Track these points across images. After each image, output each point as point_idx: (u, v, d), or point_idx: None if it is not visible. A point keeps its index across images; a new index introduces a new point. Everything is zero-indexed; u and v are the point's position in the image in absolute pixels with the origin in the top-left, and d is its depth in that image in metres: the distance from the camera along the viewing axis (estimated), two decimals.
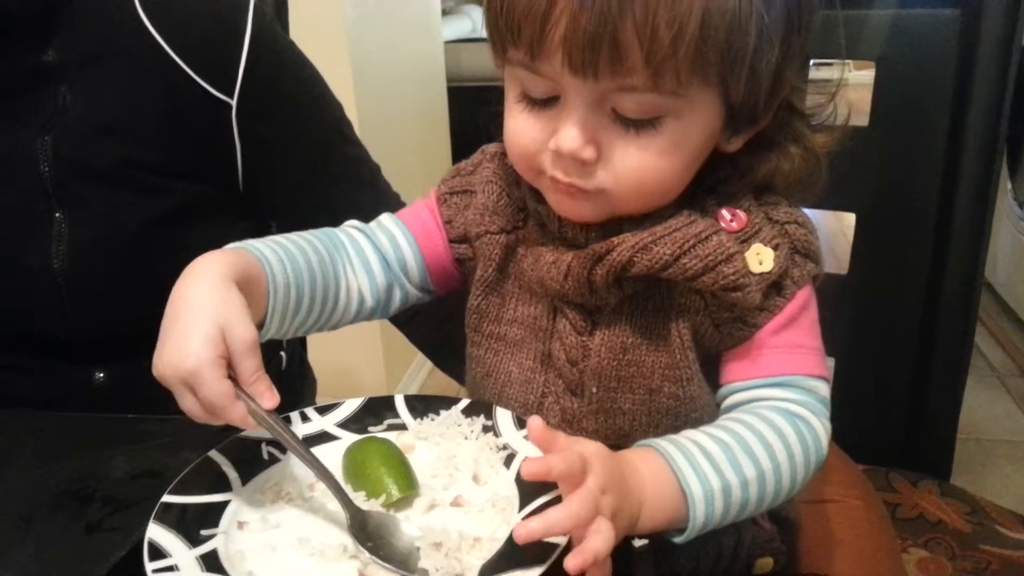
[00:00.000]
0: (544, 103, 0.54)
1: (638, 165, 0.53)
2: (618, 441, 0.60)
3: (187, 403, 0.53)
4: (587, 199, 0.56)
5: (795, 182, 0.59)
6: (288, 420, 0.61)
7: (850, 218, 1.02)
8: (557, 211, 0.59)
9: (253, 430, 0.55)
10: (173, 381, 0.53)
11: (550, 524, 0.44)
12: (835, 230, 1.00)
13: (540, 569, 0.45)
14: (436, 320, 0.84)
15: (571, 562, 0.43)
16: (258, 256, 0.59)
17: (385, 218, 0.69)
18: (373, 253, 0.67)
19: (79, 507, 0.56)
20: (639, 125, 0.52)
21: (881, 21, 0.98)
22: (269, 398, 0.54)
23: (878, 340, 1.05)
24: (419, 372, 2.21)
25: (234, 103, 0.83)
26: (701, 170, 0.58)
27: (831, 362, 1.03)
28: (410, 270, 0.67)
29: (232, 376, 0.53)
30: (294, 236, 0.64)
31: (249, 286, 0.57)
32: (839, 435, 0.92)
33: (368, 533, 0.50)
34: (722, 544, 0.63)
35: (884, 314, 1.04)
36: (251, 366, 0.53)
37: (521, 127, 0.56)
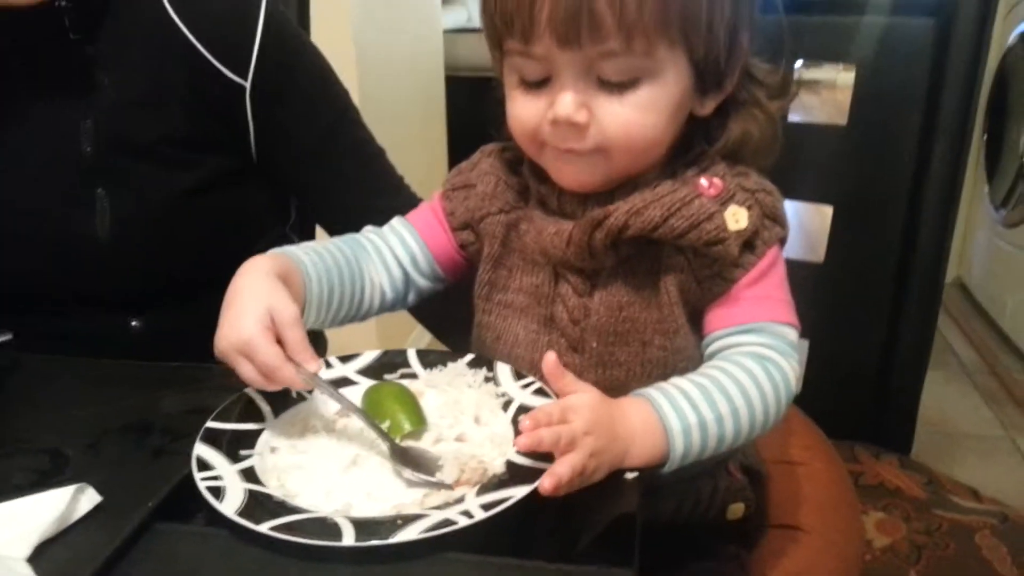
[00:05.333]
0: (539, 85, 0.63)
1: (624, 121, 0.61)
2: (614, 391, 0.67)
3: (245, 371, 0.60)
4: (585, 162, 0.64)
5: (760, 149, 0.67)
6: None
7: (827, 210, 1.09)
8: (559, 181, 0.67)
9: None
10: (231, 352, 0.60)
11: (537, 436, 0.52)
12: (813, 220, 1.06)
13: (529, 487, 0.52)
14: (439, 300, 0.91)
15: (545, 482, 0.51)
16: (294, 258, 0.69)
17: (396, 221, 0.78)
18: (388, 252, 0.75)
19: (142, 436, 0.62)
20: (621, 87, 0.61)
21: (863, 27, 1.05)
22: (313, 362, 0.61)
23: (849, 324, 1.12)
24: None
25: (248, 85, 0.91)
26: (681, 140, 0.66)
27: (805, 344, 1.11)
28: (419, 263, 0.76)
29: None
30: (326, 242, 0.74)
31: (287, 280, 0.65)
32: (810, 409, 1.00)
33: (407, 460, 0.58)
34: (700, 490, 0.71)
35: (856, 300, 1.11)
36: (296, 336, 0.61)
37: (522, 108, 0.64)
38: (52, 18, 0.84)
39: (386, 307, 0.77)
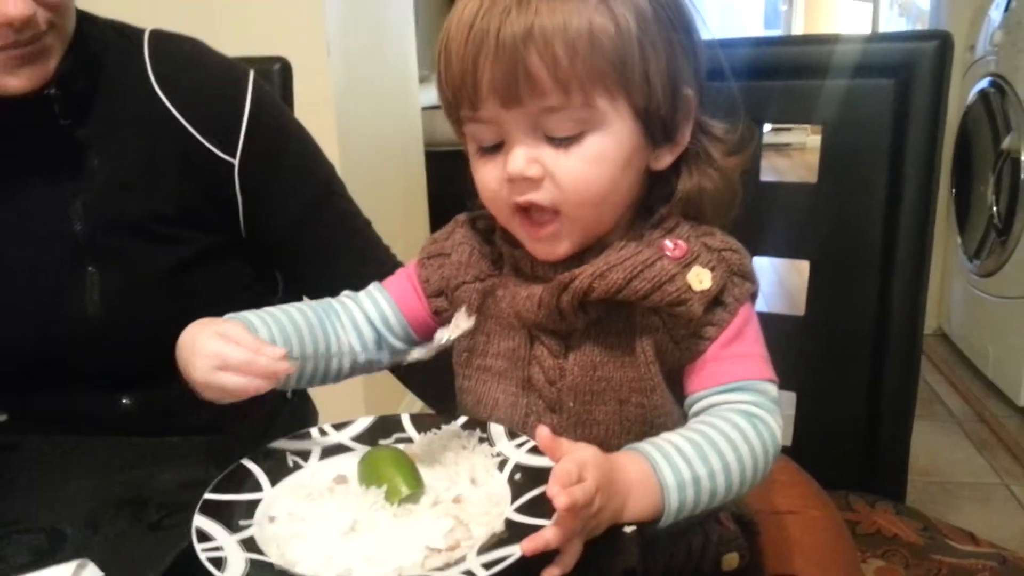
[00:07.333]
0: (495, 149, 0.66)
1: (575, 173, 0.64)
2: None
3: (228, 380, 0.64)
4: (552, 228, 0.66)
5: (720, 205, 0.70)
6: (308, 434, 0.70)
7: (804, 265, 1.12)
8: (533, 253, 0.69)
9: (279, 441, 0.65)
10: (208, 372, 0.64)
11: (572, 495, 0.52)
12: (791, 275, 1.09)
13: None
14: (425, 368, 0.92)
15: (527, 545, 0.52)
16: (242, 319, 0.72)
17: (372, 286, 0.80)
18: (359, 313, 0.77)
19: (138, 511, 0.63)
20: (568, 141, 0.64)
21: (827, 90, 1.10)
22: (278, 348, 0.66)
23: (834, 376, 1.14)
24: None
25: (236, 162, 0.94)
26: (643, 198, 0.69)
27: (792, 396, 1.12)
28: (392, 325, 0.77)
29: None
30: (285, 306, 0.76)
31: None
32: (801, 461, 1.00)
33: None
34: (691, 542, 0.71)
35: (838, 350, 1.13)
36: (249, 337, 0.66)
37: (483, 173, 0.68)
38: (42, 104, 0.86)
39: (360, 368, 0.77)
